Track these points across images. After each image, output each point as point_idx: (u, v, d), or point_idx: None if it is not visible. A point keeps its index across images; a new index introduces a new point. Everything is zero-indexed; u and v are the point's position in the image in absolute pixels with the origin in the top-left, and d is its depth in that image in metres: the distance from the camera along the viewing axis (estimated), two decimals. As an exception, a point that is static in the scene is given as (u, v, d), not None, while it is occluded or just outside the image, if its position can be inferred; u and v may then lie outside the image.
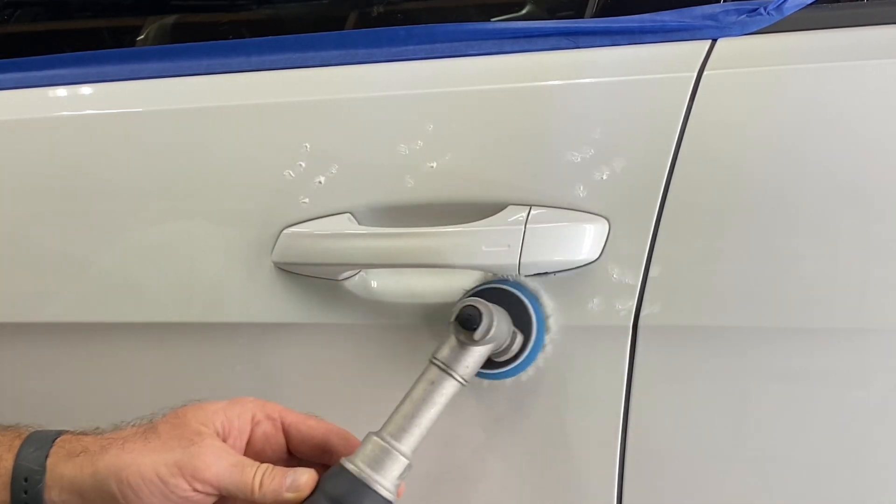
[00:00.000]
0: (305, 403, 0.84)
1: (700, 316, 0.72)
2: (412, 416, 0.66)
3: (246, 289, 0.83)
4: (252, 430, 0.67)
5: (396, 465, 0.64)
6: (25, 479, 0.63)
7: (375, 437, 0.65)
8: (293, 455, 0.69)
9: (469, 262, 0.75)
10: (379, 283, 0.81)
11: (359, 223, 0.79)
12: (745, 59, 0.72)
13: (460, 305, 0.66)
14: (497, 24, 0.81)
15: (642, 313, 0.73)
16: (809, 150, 0.69)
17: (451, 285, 0.79)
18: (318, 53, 0.82)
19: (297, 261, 0.80)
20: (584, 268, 0.74)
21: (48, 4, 1.18)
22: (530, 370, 0.76)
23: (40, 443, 0.65)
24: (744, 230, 0.70)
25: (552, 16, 1.02)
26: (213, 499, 0.64)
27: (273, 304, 0.82)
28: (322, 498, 0.62)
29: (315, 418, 0.69)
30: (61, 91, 0.89)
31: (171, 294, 0.85)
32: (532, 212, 0.73)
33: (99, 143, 0.86)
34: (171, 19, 1.09)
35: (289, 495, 0.62)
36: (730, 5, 0.74)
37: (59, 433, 0.66)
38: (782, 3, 0.72)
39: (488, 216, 0.75)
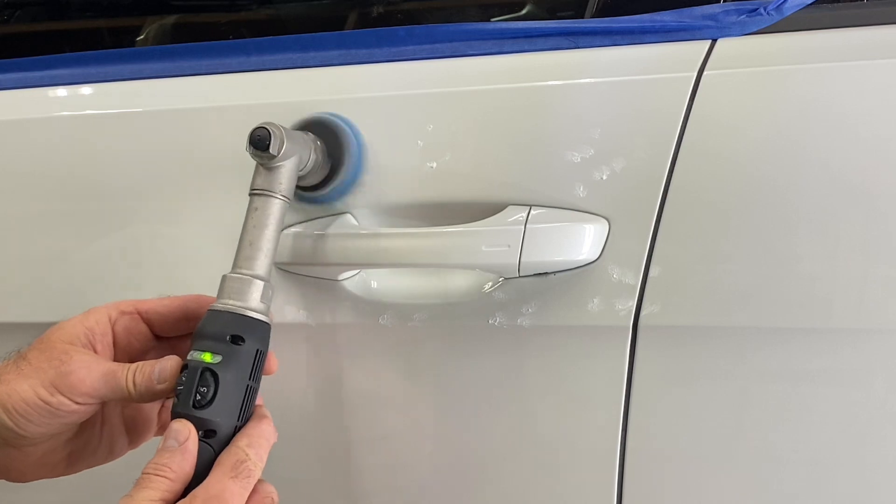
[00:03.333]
0: (305, 403, 0.84)
1: (700, 316, 0.72)
2: (252, 243, 0.69)
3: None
4: (113, 330, 0.69)
5: (255, 289, 0.67)
6: None
7: (229, 274, 0.68)
8: (161, 338, 0.71)
9: (469, 262, 0.75)
10: (379, 283, 0.81)
11: (359, 223, 0.79)
12: (745, 59, 0.72)
13: (251, 130, 0.69)
14: (497, 24, 0.81)
15: (642, 313, 0.73)
16: (809, 150, 0.69)
17: (451, 285, 0.79)
18: (318, 53, 0.82)
19: (297, 261, 0.80)
20: (584, 268, 0.74)
21: (48, 4, 1.18)
22: (348, 196, 0.79)
23: None
24: (744, 230, 0.70)
25: (552, 16, 1.02)
26: (97, 406, 0.66)
27: (273, 304, 0.82)
28: (200, 340, 0.65)
29: (169, 297, 0.71)
30: (61, 91, 0.89)
31: (170, 294, 0.85)
32: (532, 212, 0.73)
33: (98, 143, 0.86)
34: (171, 19, 1.09)
35: (160, 386, 0.65)
36: (730, 5, 0.74)
37: None
38: (782, 3, 0.72)
39: (488, 216, 0.75)
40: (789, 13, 0.72)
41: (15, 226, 0.88)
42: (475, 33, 0.79)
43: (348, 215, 0.79)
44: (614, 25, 0.75)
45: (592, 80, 0.74)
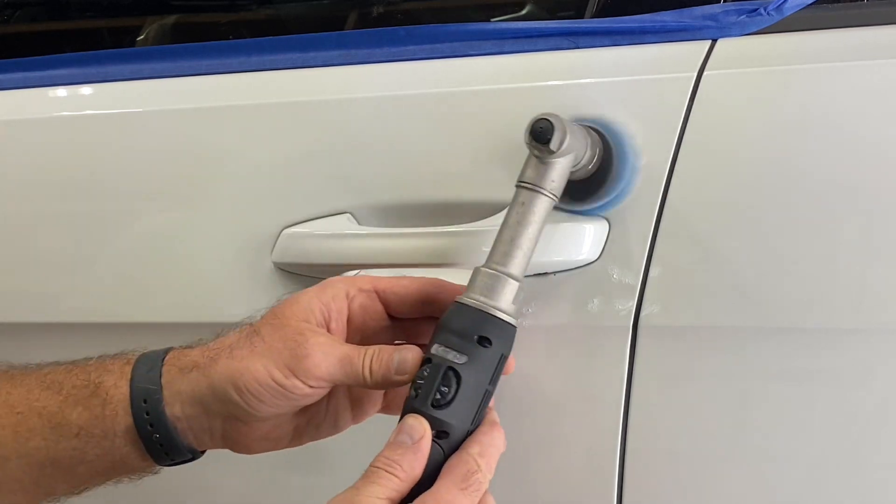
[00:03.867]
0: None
1: (700, 316, 0.72)
2: (512, 240, 0.65)
3: (246, 289, 0.83)
4: (349, 307, 0.67)
5: (509, 289, 0.64)
6: (145, 401, 0.64)
7: (483, 269, 0.65)
8: (395, 318, 0.69)
9: (469, 262, 0.75)
10: (379, 283, 0.81)
11: (359, 223, 0.79)
12: (745, 59, 0.71)
13: (533, 120, 0.65)
14: (497, 24, 0.81)
15: (642, 313, 0.73)
16: (809, 151, 0.69)
17: (451, 285, 0.79)
18: (318, 53, 0.82)
19: (297, 261, 0.80)
20: (584, 268, 0.74)
21: (48, 4, 1.18)
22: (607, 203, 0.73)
23: (151, 363, 0.66)
24: (744, 230, 0.70)
25: (552, 16, 1.02)
26: (329, 388, 0.65)
27: (273, 304, 0.82)
28: (445, 334, 0.63)
29: (407, 277, 0.69)
30: (61, 91, 0.89)
31: (170, 294, 0.85)
32: (532, 212, 0.73)
33: (99, 143, 0.86)
34: (171, 19, 1.09)
35: (398, 377, 0.63)
36: (730, 5, 0.74)
37: (167, 351, 0.67)
38: (782, 3, 0.72)
39: (488, 216, 0.75)
40: (789, 13, 0.72)
41: (14, 226, 0.88)
42: (475, 33, 0.79)
43: (348, 215, 0.79)
44: (614, 25, 0.75)
45: (592, 80, 0.74)
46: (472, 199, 0.76)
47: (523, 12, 0.98)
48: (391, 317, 0.69)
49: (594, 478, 0.78)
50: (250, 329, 0.66)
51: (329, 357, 0.63)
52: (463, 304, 0.64)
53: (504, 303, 0.64)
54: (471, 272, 0.78)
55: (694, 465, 0.75)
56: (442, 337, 0.63)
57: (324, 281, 0.68)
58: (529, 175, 0.66)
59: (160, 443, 0.65)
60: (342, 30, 0.99)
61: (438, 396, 0.61)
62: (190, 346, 0.68)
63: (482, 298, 0.64)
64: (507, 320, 0.64)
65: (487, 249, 0.73)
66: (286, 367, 0.62)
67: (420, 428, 0.60)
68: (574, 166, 0.68)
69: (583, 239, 0.73)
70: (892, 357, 0.70)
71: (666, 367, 0.74)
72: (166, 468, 0.68)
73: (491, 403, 0.65)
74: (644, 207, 0.72)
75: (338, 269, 0.80)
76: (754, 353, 0.72)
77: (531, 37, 0.77)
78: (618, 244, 0.73)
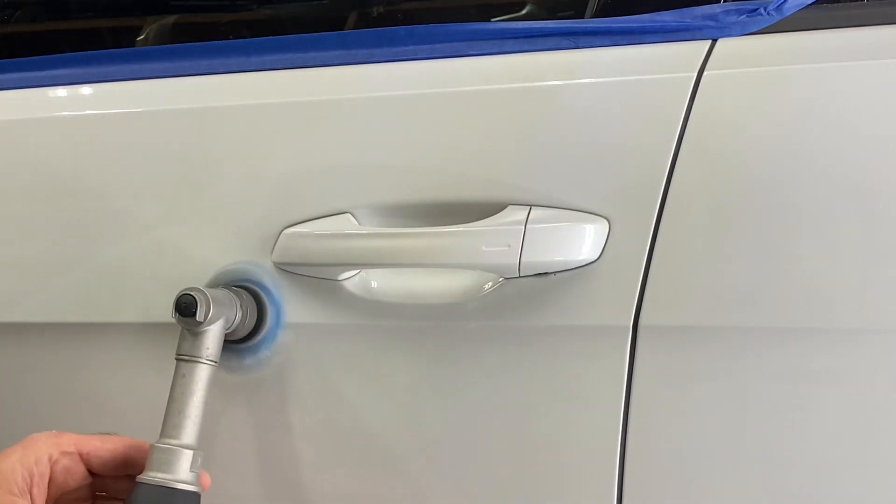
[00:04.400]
0: (305, 403, 0.84)
1: (700, 316, 0.72)
2: (180, 411, 0.71)
3: (246, 289, 0.83)
4: (52, 470, 0.69)
5: (184, 459, 0.69)
6: None
7: (157, 445, 0.69)
8: (97, 475, 0.71)
9: (469, 262, 0.75)
10: (379, 283, 0.81)
11: (359, 223, 0.79)
12: (745, 59, 0.72)
13: (176, 296, 0.71)
14: (497, 24, 0.81)
15: (642, 313, 0.73)
16: (809, 150, 0.69)
17: (451, 285, 0.79)
18: (318, 53, 0.82)
19: (297, 261, 0.80)
20: (584, 268, 0.74)
21: (48, 4, 1.18)
22: (271, 349, 0.81)
23: None
24: (744, 230, 0.70)
25: (552, 16, 1.02)
26: None
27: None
28: None
29: (112, 439, 0.71)
30: (61, 91, 0.89)
31: (170, 294, 0.85)
32: (532, 212, 0.73)
33: (99, 143, 0.86)
34: (171, 19, 1.09)
35: None
36: (730, 5, 0.74)
37: None
38: (782, 3, 0.72)
39: (488, 216, 0.75)
40: (789, 13, 0.72)
41: (14, 226, 0.88)
42: (475, 33, 0.79)
43: (348, 215, 0.79)
44: (614, 25, 0.75)
45: (592, 80, 0.74)
46: (472, 199, 0.76)
47: (523, 12, 0.98)
48: (93, 474, 0.71)
49: (594, 478, 0.78)
50: None
51: None
52: (141, 482, 0.67)
53: (182, 473, 0.68)
54: (471, 273, 0.78)
55: (694, 465, 0.75)
56: None
57: (25, 441, 0.69)
58: (185, 347, 0.73)
59: None
60: (342, 30, 0.99)
61: None
62: None
63: (160, 475, 0.68)
64: (189, 489, 0.68)
65: (487, 249, 0.73)
66: None
67: None
68: (228, 329, 0.75)
69: (583, 239, 0.73)
70: (893, 357, 0.70)
71: (666, 367, 0.74)
72: None
73: None
74: (644, 207, 0.72)
75: (338, 269, 0.80)
76: (754, 353, 0.72)
77: (531, 37, 0.77)
78: (618, 244, 0.73)
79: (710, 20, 0.73)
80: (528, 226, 0.73)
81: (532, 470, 0.80)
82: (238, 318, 0.77)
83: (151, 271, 0.85)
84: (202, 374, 0.72)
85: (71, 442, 0.70)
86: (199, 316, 0.71)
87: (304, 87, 0.83)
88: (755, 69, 0.71)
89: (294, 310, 0.82)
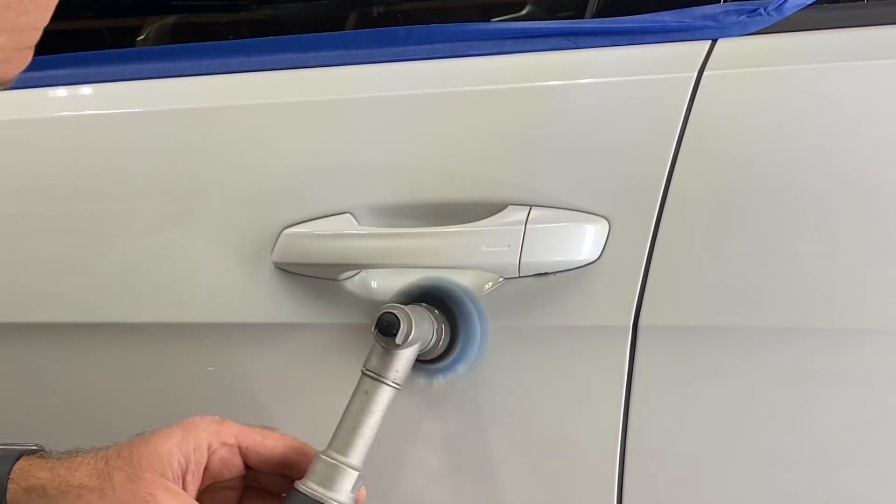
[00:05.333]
0: (305, 404, 0.84)
1: (700, 316, 0.72)
2: (354, 429, 0.68)
3: (246, 289, 0.83)
4: (209, 458, 0.68)
5: (347, 479, 0.66)
6: None
7: (323, 456, 0.67)
8: (252, 469, 0.70)
9: (469, 262, 0.75)
10: (379, 283, 0.81)
11: (359, 223, 0.79)
12: (745, 59, 0.71)
13: (379, 313, 0.68)
14: (497, 24, 0.81)
15: (642, 313, 0.73)
16: (809, 151, 0.69)
17: (451, 285, 0.79)
18: (318, 54, 0.82)
19: (297, 261, 0.80)
20: (584, 268, 0.74)
21: (48, 4, 1.18)
22: (464, 366, 0.77)
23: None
24: (744, 230, 0.70)
25: (552, 16, 1.02)
26: None
27: (273, 304, 0.82)
28: None
29: (272, 436, 0.70)
30: (61, 91, 0.89)
31: (171, 294, 0.85)
32: (532, 212, 0.73)
33: (99, 143, 0.86)
34: (171, 19, 1.10)
35: None
36: (730, 5, 0.74)
37: (16, 458, 0.66)
38: (782, 3, 0.72)
39: (488, 216, 0.75)
40: (789, 13, 0.72)
41: (14, 226, 0.88)
42: (475, 33, 0.79)
43: (348, 215, 0.79)
44: (614, 25, 0.75)
45: (592, 80, 0.74)
46: (472, 199, 0.76)
47: (523, 12, 0.98)
48: (248, 467, 0.70)
49: (594, 478, 0.78)
50: (104, 468, 0.65)
51: None
52: (301, 492, 0.66)
53: (342, 494, 0.66)
54: (471, 273, 0.78)
55: (694, 465, 0.75)
56: None
57: (187, 424, 0.68)
58: (374, 364, 0.70)
59: None
60: (342, 30, 0.99)
61: None
62: (42, 457, 0.67)
63: (320, 489, 0.66)
64: None
65: (487, 249, 0.73)
66: None
67: None
68: (421, 352, 0.72)
69: (583, 239, 0.73)
70: (893, 357, 0.70)
71: (666, 367, 0.74)
72: None
73: None
74: (644, 207, 0.72)
75: (338, 269, 0.80)
76: (754, 353, 0.72)
77: (531, 37, 0.77)
78: (618, 244, 0.73)
79: (710, 20, 0.73)
80: (528, 226, 0.73)
81: (532, 470, 0.80)
82: (433, 341, 0.74)
83: (150, 271, 0.85)
84: (384, 396, 0.69)
85: (232, 433, 0.68)
86: (399, 339, 0.68)
87: (305, 87, 0.83)
88: (755, 69, 0.71)
89: (294, 310, 0.82)
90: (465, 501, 0.83)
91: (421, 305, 0.75)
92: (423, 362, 0.76)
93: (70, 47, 0.93)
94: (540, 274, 0.75)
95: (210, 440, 0.67)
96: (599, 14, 0.81)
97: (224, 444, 0.68)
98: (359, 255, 0.78)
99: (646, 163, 0.71)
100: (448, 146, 0.77)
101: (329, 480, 0.66)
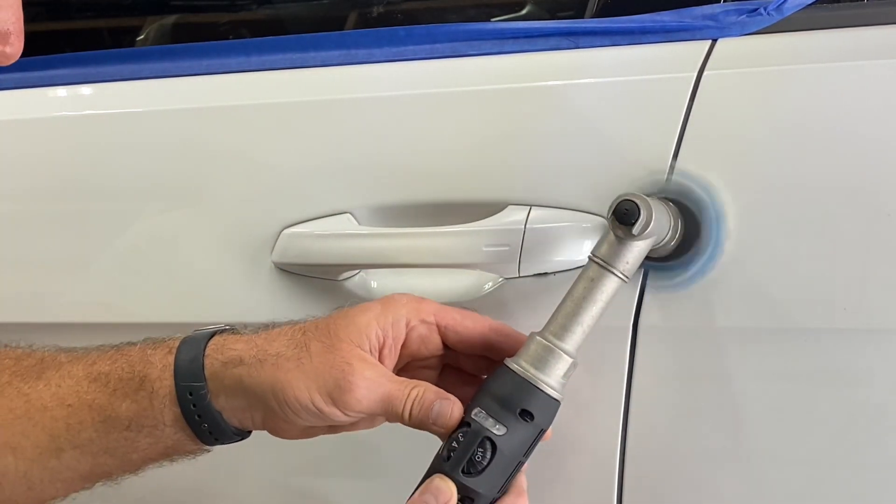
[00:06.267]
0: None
1: (700, 316, 0.72)
2: (574, 315, 0.64)
3: (246, 289, 0.83)
4: (407, 335, 0.67)
5: (561, 364, 0.64)
6: (190, 393, 0.65)
7: (539, 337, 0.64)
8: (451, 349, 0.69)
9: (469, 262, 0.75)
10: (379, 283, 0.81)
11: (359, 223, 0.79)
12: (745, 59, 0.71)
13: (617, 200, 0.63)
14: (497, 24, 0.81)
15: (642, 313, 0.73)
16: (809, 151, 0.69)
17: (451, 285, 0.79)
18: (318, 53, 0.82)
19: (297, 261, 0.80)
20: (584, 268, 0.74)
21: (48, 4, 1.18)
22: (693, 270, 0.71)
23: (193, 352, 0.66)
24: (743, 230, 0.70)
25: (552, 16, 1.02)
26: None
27: (273, 304, 0.82)
28: (488, 399, 0.63)
29: (473, 316, 0.68)
30: (61, 91, 0.89)
31: (170, 294, 0.85)
32: (532, 212, 0.73)
33: (99, 143, 0.86)
34: (171, 19, 1.10)
35: (435, 427, 0.63)
36: (730, 5, 0.74)
37: (209, 336, 0.67)
38: (782, 3, 0.72)
39: (488, 216, 0.75)
40: (789, 13, 0.72)
41: (14, 226, 0.88)
42: (475, 33, 0.79)
43: (348, 215, 0.79)
44: (614, 25, 0.75)
45: (592, 80, 0.74)
46: (472, 199, 0.76)
47: (523, 12, 0.98)
48: (446, 346, 0.69)
49: (594, 478, 0.78)
50: (301, 339, 0.65)
51: (372, 394, 0.63)
52: (511, 370, 0.63)
53: (553, 378, 0.63)
54: (471, 273, 0.78)
55: (694, 465, 0.75)
56: (484, 402, 0.63)
57: (387, 299, 0.67)
58: (604, 251, 0.65)
59: (209, 430, 0.66)
60: (342, 30, 0.99)
61: (471, 464, 0.61)
62: (235, 332, 0.68)
63: (532, 370, 0.63)
64: (553, 395, 0.63)
65: (487, 249, 0.73)
66: (328, 394, 0.62)
67: (447, 492, 0.60)
68: (653, 247, 0.68)
69: (583, 239, 0.73)
70: (893, 357, 0.70)
71: (666, 367, 0.74)
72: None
73: (523, 468, 0.65)
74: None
75: (338, 269, 0.80)
76: (754, 353, 0.72)
77: (531, 37, 0.77)
78: (618, 244, 0.72)
79: (710, 20, 0.73)
80: (528, 226, 0.73)
81: (532, 470, 0.80)
82: (666, 238, 0.68)
83: (151, 271, 0.85)
84: (609, 286, 0.64)
85: (431, 311, 0.67)
86: (636, 230, 0.62)
87: (304, 87, 0.83)
88: (755, 69, 0.71)
89: (294, 310, 0.82)
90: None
91: (660, 197, 0.70)
92: (649, 259, 0.70)
93: (70, 47, 0.93)
94: (540, 274, 0.75)
95: (409, 316, 0.66)
96: (599, 14, 0.81)
97: (423, 321, 0.67)
98: (359, 255, 0.78)
99: (646, 163, 0.71)
100: (448, 146, 0.77)
101: (542, 363, 0.63)
